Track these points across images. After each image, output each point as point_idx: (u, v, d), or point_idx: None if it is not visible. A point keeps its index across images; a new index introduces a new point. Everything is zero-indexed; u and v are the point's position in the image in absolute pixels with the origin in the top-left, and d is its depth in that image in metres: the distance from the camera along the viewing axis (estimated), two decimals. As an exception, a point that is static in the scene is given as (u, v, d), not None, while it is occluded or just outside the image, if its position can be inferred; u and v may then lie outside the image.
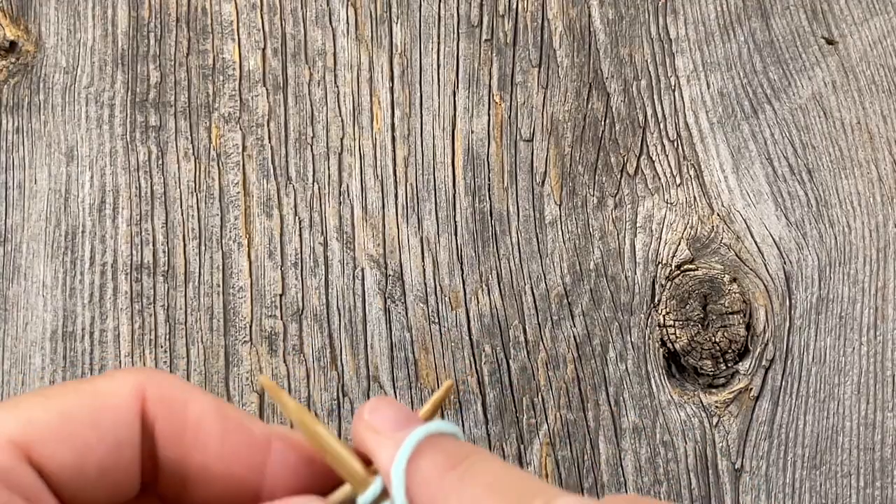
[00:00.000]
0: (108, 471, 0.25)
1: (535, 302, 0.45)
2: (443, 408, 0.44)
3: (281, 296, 0.45)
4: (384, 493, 0.27)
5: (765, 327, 0.44)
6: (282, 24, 0.47)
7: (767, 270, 0.44)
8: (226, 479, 0.27)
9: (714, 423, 0.44)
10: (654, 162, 0.45)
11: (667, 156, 0.45)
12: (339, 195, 0.45)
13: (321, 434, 0.27)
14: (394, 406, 0.27)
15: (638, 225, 0.45)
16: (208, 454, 0.26)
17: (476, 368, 0.44)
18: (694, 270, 0.44)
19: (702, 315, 0.44)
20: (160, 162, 0.46)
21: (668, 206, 0.45)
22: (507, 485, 0.24)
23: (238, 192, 0.45)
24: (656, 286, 0.44)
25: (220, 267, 0.45)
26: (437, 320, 0.44)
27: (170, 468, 0.27)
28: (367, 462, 0.27)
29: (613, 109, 0.46)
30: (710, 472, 0.43)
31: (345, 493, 0.27)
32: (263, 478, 0.27)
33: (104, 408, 0.26)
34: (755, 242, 0.45)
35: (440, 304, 0.45)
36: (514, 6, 0.46)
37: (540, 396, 0.44)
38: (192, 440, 0.26)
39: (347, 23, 0.47)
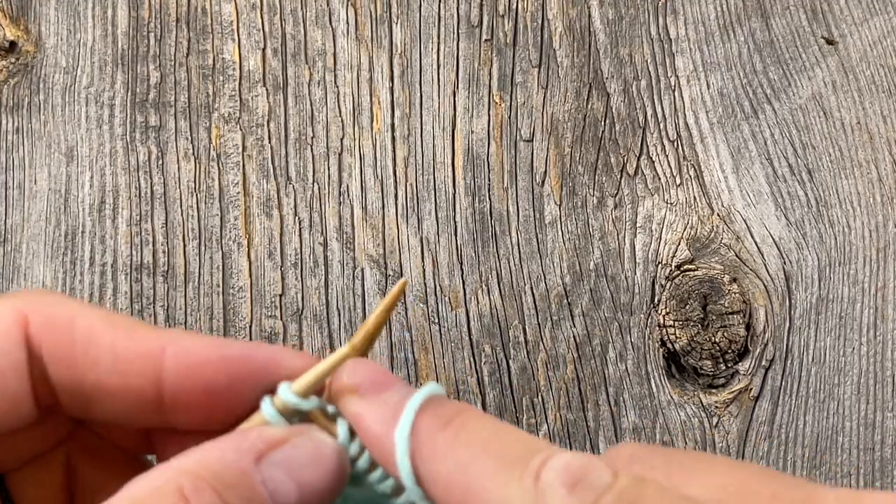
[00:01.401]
0: None
1: (535, 302, 0.45)
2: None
3: (281, 296, 0.45)
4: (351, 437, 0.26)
5: (765, 327, 0.44)
6: (282, 25, 0.47)
7: (767, 270, 0.44)
8: (124, 392, 0.26)
9: (714, 424, 0.44)
10: (654, 162, 0.45)
11: (667, 156, 0.45)
12: (339, 195, 0.45)
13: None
14: (372, 366, 0.26)
15: (638, 225, 0.45)
16: (100, 370, 0.26)
17: (476, 369, 0.44)
18: (694, 270, 0.44)
19: (702, 315, 0.44)
20: (160, 162, 0.46)
21: (668, 206, 0.45)
22: (504, 442, 0.23)
23: (238, 193, 0.45)
24: (656, 286, 0.44)
25: (220, 267, 0.45)
26: (437, 320, 0.44)
27: (67, 389, 0.26)
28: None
29: (613, 109, 0.46)
30: (710, 472, 0.43)
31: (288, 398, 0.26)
32: (162, 386, 0.26)
33: None
34: (755, 242, 0.45)
35: (440, 304, 0.45)
36: (514, 6, 0.46)
37: (540, 397, 0.44)
38: (83, 358, 0.25)
39: (347, 23, 0.47)
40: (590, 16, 0.46)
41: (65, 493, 0.28)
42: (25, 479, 0.28)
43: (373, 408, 0.26)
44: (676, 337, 0.44)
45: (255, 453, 0.25)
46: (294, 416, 0.26)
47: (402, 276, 0.45)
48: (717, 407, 0.44)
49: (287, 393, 0.26)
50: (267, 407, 0.26)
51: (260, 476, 0.24)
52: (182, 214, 0.45)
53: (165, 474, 0.23)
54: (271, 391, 0.26)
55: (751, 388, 0.44)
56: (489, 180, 0.45)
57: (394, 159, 0.46)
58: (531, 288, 0.45)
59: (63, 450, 0.28)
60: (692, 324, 0.44)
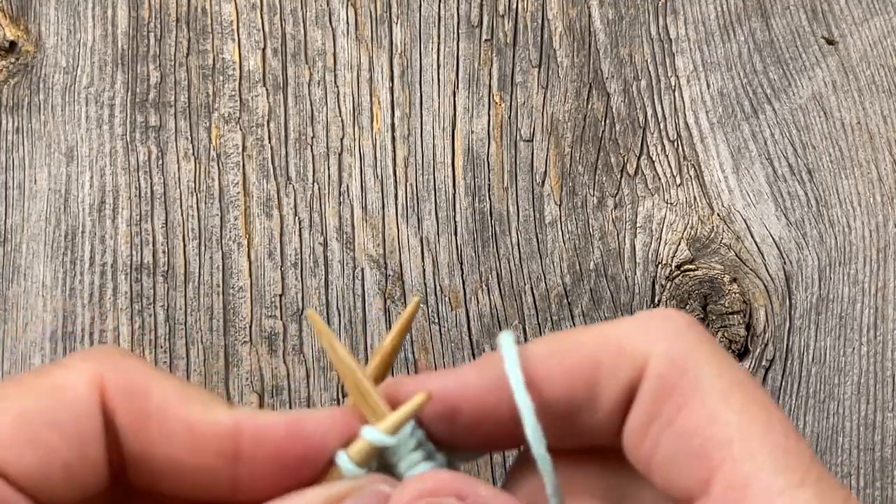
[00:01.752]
0: (74, 469, 0.24)
1: (535, 302, 0.45)
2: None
3: (281, 296, 0.45)
4: (409, 436, 0.26)
5: (765, 327, 0.44)
6: (282, 25, 0.47)
7: (767, 271, 0.44)
8: (196, 470, 0.25)
9: (714, 424, 0.44)
10: (654, 162, 0.45)
11: (667, 156, 0.45)
12: (339, 195, 0.45)
13: (349, 364, 0.26)
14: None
15: (638, 225, 0.45)
16: (173, 445, 0.25)
17: (476, 368, 0.44)
18: (694, 270, 0.44)
19: (702, 315, 0.44)
20: (160, 162, 0.46)
21: (668, 206, 0.45)
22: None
23: (238, 193, 0.45)
24: (656, 286, 0.44)
25: (220, 267, 0.45)
26: (437, 320, 0.44)
27: (137, 460, 0.25)
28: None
29: (613, 109, 0.46)
30: (710, 472, 0.43)
31: (361, 447, 0.26)
32: (237, 465, 0.25)
33: (63, 405, 0.24)
34: (755, 242, 0.44)
35: (440, 304, 0.45)
36: (514, 6, 0.46)
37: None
38: (157, 431, 0.25)
39: (347, 23, 0.47)
40: (590, 16, 0.46)
41: None
42: None
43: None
44: (676, 337, 0.44)
45: None
46: (368, 465, 0.26)
47: (401, 276, 0.45)
48: (717, 407, 0.44)
49: (372, 433, 0.25)
50: (343, 459, 0.26)
51: None
52: (182, 214, 0.45)
53: None
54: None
55: (751, 388, 0.44)
56: (489, 180, 0.45)
57: (394, 159, 0.46)
58: (531, 288, 0.45)
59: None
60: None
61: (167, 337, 0.44)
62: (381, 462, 0.26)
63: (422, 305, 0.44)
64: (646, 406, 0.24)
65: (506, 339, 0.25)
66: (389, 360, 0.27)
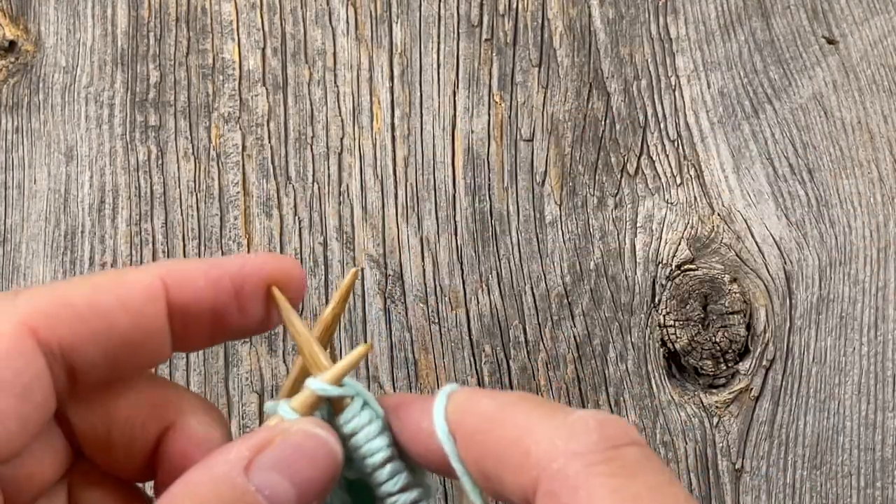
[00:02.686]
0: (26, 418, 0.25)
1: (535, 302, 0.44)
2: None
3: (281, 296, 0.45)
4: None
5: (765, 327, 0.44)
6: (281, 24, 0.47)
7: (768, 270, 0.44)
8: (141, 340, 0.26)
9: (714, 424, 0.44)
10: (654, 162, 0.45)
11: (667, 156, 0.45)
12: (339, 195, 0.45)
13: (303, 331, 0.27)
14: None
15: (638, 225, 0.45)
16: (118, 328, 0.26)
17: (476, 368, 0.44)
18: (694, 270, 0.44)
19: (702, 315, 0.44)
20: (160, 162, 0.46)
21: (669, 205, 0.45)
22: (530, 397, 0.26)
23: (238, 192, 0.45)
24: (656, 286, 0.44)
25: (220, 267, 0.45)
26: (437, 320, 0.44)
27: (87, 363, 0.26)
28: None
29: (614, 109, 0.46)
30: (711, 472, 0.43)
31: (304, 397, 0.27)
32: (172, 315, 0.27)
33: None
34: (756, 242, 0.44)
35: (440, 304, 0.45)
36: (515, 6, 0.46)
37: (540, 396, 0.44)
38: (98, 328, 0.26)
39: (347, 22, 0.46)
40: (590, 15, 0.46)
41: None
42: None
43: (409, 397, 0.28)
44: (677, 337, 0.44)
45: (242, 462, 0.25)
46: (311, 412, 0.27)
47: (401, 276, 0.45)
48: (717, 407, 0.44)
49: (316, 382, 0.27)
50: (284, 409, 0.26)
51: (252, 484, 0.24)
52: (182, 214, 0.45)
53: None
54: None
55: (751, 388, 0.44)
56: (489, 180, 0.45)
57: (394, 159, 0.46)
58: (531, 288, 0.45)
59: (65, 482, 0.28)
60: (692, 324, 0.44)
61: (167, 337, 0.44)
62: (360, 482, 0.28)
63: (422, 305, 0.44)
64: None
65: (439, 400, 0.27)
66: (331, 328, 0.29)
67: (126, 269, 0.27)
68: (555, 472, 0.23)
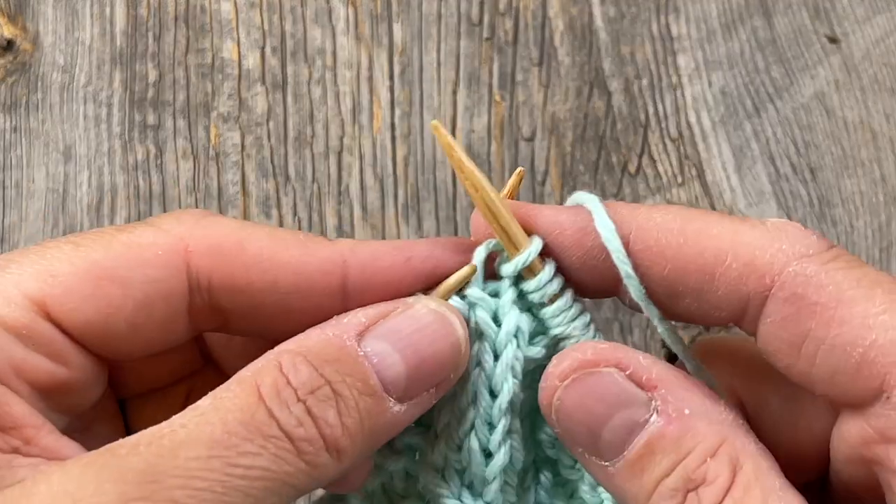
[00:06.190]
0: (139, 327, 0.25)
1: (535, 302, 0.44)
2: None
3: (280, 296, 0.45)
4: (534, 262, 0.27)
5: (767, 328, 0.44)
6: (281, 23, 0.46)
7: (770, 270, 0.44)
8: (304, 311, 0.26)
9: (716, 424, 0.43)
10: (655, 161, 0.45)
11: (668, 155, 0.45)
12: (339, 195, 0.45)
13: (481, 181, 0.27)
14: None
15: (639, 224, 0.45)
16: (280, 292, 0.26)
17: (476, 369, 0.44)
18: (696, 270, 0.44)
19: (703, 315, 0.44)
20: (158, 161, 0.45)
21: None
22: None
23: (237, 192, 0.45)
24: (658, 286, 0.44)
25: (219, 267, 0.45)
26: (437, 320, 0.44)
27: (243, 314, 0.26)
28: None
29: (615, 108, 0.46)
30: (712, 473, 0.43)
31: (457, 278, 0.27)
32: (347, 298, 0.26)
33: (134, 263, 0.25)
34: (757, 242, 0.44)
35: (440, 305, 0.44)
36: (515, 4, 0.46)
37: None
38: (259, 281, 0.25)
39: (347, 21, 0.46)
40: (591, 14, 0.46)
41: None
42: (145, 407, 0.28)
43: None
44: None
45: (357, 328, 0.24)
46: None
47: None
48: (718, 407, 0.43)
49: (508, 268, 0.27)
50: (479, 255, 0.28)
51: (361, 350, 0.24)
52: (181, 214, 0.45)
53: (268, 356, 0.24)
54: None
55: (753, 389, 0.43)
56: (490, 180, 0.45)
57: (394, 158, 0.45)
58: (532, 288, 0.44)
59: (186, 385, 0.29)
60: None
61: (166, 337, 0.44)
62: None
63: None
64: (785, 324, 0.24)
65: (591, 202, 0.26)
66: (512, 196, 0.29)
67: (319, 239, 0.26)
68: (793, 275, 0.24)
